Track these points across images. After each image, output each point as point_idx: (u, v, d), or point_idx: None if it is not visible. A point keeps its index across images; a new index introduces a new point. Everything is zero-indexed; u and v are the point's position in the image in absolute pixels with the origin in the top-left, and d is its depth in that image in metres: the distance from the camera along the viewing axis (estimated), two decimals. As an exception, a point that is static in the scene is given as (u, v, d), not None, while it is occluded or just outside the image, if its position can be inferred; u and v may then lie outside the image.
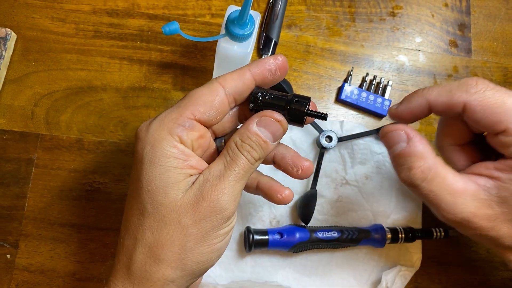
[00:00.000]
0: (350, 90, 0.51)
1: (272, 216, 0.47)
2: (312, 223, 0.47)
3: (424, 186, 0.32)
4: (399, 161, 0.33)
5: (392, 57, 0.54)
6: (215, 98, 0.31)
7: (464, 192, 0.31)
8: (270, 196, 0.36)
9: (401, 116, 0.34)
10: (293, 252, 0.45)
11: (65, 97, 0.48)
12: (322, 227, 0.46)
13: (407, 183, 0.33)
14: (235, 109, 0.34)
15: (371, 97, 0.51)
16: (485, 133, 0.34)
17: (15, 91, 0.48)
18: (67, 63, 0.49)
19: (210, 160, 0.33)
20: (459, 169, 0.35)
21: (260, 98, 0.32)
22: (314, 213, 0.46)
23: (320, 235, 0.45)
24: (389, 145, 0.33)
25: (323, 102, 0.51)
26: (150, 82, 0.49)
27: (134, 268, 0.30)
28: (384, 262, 0.47)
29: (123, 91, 0.49)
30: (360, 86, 0.52)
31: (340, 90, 0.51)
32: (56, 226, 0.45)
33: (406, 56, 0.54)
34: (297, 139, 0.49)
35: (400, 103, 0.34)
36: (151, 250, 0.30)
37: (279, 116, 0.32)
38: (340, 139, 0.48)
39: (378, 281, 0.46)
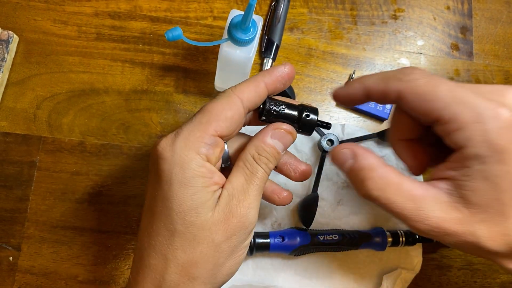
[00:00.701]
0: (351, 93, 0.51)
1: (273, 219, 0.47)
2: (313, 226, 0.47)
3: (381, 195, 0.31)
4: (352, 177, 0.32)
5: (394, 60, 0.54)
6: (235, 113, 0.31)
7: (425, 197, 0.30)
8: (271, 198, 0.38)
9: (339, 98, 0.35)
10: (295, 255, 0.45)
11: (67, 99, 0.48)
12: (323, 230, 0.46)
13: (366, 197, 0.32)
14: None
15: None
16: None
17: (18, 94, 0.48)
18: (69, 66, 0.49)
19: (217, 167, 0.33)
20: (411, 166, 0.34)
21: (273, 111, 0.34)
22: (315, 216, 0.46)
23: (321, 238, 0.45)
24: (339, 165, 0.33)
25: (325, 105, 0.52)
26: (152, 85, 0.49)
27: (166, 287, 0.30)
28: (385, 265, 0.48)
29: (125, 93, 0.49)
30: (362, 89, 0.52)
31: (341, 93, 0.51)
32: (58, 229, 0.45)
33: (407, 59, 0.54)
34: (298, 143, 0.49)
35: (341, 86, 0.35)
36: (184, 269, 0.30)
37: (291, 129, 0.34)
38: (342, 143, 0.48)
39: (379, 284, 0.47)
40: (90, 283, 0.45)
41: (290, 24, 0.53)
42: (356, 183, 0.32)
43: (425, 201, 0.30)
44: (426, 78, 0.30)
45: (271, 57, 0.51)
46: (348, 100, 0.35)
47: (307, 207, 0.46)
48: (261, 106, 0.34)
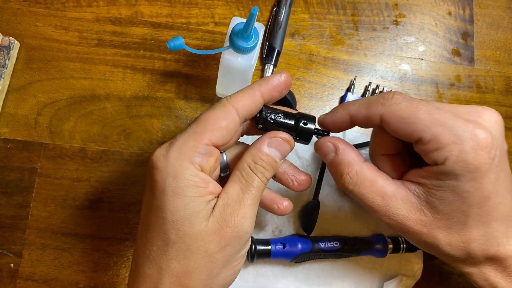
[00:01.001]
0: (352, 99, 0.51)
1: (274, 225, 0.47)
2: (315, 233, 0.47)
3: (355, 190, 0.34)
4: (332, 169, 0.35)
5: (395, 66, 0.54)
6: (230, 122, 0.32)
7: (395, 196, 0.33)
8: (271, 207, 0.37)
9: (326, 126, 0.37)
10: (296, 262, 0.45)
11: (68, 106, 0.48)
12: (324, 237, 0.46)
13: (342, 188, 0.35)
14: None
15: (374, 106, 0.51)
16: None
17: (18, 100, 0.48)
18: (70, 72, 0.49)
19: (214, 177, 0.33)
20: (392, 177, 0.36)
21: (270, 120, 0.34)
22: (316, 223, 0.46)
23: (322, 245, 0.45)
24: (322, 156, 0.36)
25: (326, 111, 0.51)
26: (153, 91, 0.49)
27: None
28: (386, 272, 0.48)
29: (126, 100, 0.49)
30: (363, 95, 0.52)
31: (342, 99, 0.51)
32: (59, 235, 0.45)
33: (409, 65, 0.54)
34: (300, 149, 0.49)
35: (327, 113, 0.36)
36: (178, 279, 0.30)
37: (288, 137, 0.34)
38: (343, 149, 0.48)
39: (380, 291, 0.47)
40: (91, 290, 0.45)
41: (291, 30, 0.53)
42: (335, 175, 0.35)
43: (394, 198, 0.33)
44: (406, 102, 0.32)
45: (272, 63, 0.51)
46: (335, 127, 0.36)
47: (308, 214, 0.46)
48: (258, 114, 0.34)
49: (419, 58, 0.54)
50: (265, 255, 0.44)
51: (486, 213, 0.32)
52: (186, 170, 0.30)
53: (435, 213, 0.32)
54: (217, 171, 0.34)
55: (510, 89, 0.55)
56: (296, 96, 0.51)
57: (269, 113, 0.34)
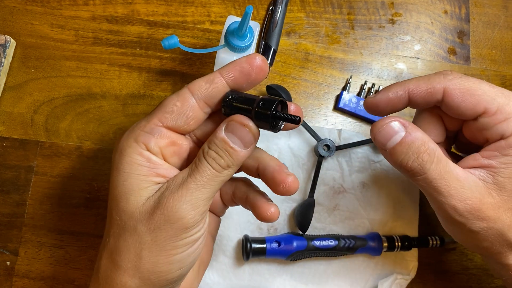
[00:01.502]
0: (348, 98, 0.51)
1: (270, 224, 0.48)
2: (310, 231, 0.47)
3: (433, 169, 0.31)
4: (403, 149, 0.31)
5: (391, 64, 0.54)
6: (183, 104, 0.30)
7: (467, 179, 0.31)
8: (257, 213, 0.34)
9: (379, 105, 0.34)
10: (291, 260, 0.46)
11: (65, 104, 0.48)
12: (320, 235, 0.47)
13: (416, 169, 0.31)
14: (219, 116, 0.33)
15: (370, 105, 0.51)
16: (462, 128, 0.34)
17: (15, 98, 0.48)
18: (66, 70, 0.49)
19: (175, 163, 0.33)
20: None
21: (230, 101, 0.31)
22: (311, 221, 0.46)
23: (317, 243, 0.45)
24: (386, 138, 0.32)
25: (321, 110, 0.52)
26: (149, 90, 0.50)
27: (100, 273, 0.31)
28: (380, 270, 0.48)
29: (123, 98, 0.49)
30: (359, 94, 0.52)
31: (338, 98, 0.52)
32: (55, 233, 0.46)
33: (404, 64, 0.54)
34: (295, 147, 0.49)
35: (378, 92, 0.34)
36: (111, 256, 0.30)
37: (247, 121, 0.30)
38: (338, 148, 0.48)
39: (374, 289, 0.47)
40: (87, 287, 0.45)
41: (287, 29, 0.53)
42: (405, 155, 0.31)
43: (467, 182, 0.31)
44: (466, 77, 0.32)
45: (268, 62, 0.51)
46: (389, 106, 0.34)
47: (304, 212, 0.46)
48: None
49: (415, 57, 0.55)
50: (260, 253, 0.45)
51: None
52: (130, 147, 0.30)
53: (503, 194, 0.31)
54: (180, 158, 0.33)
55: (506, 88, 0.55)
56: (292, 95, 0.51)
57: (234, 98, 0.31)
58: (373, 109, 0.35)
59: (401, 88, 0.33)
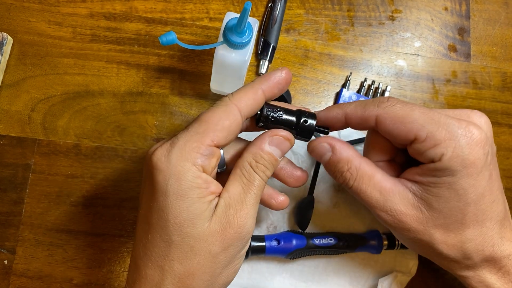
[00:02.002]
0: (348, 95, 0.51)
1: (269, 222, 0.47)
2: (309, 229, 0.47)
3: (355, 185, 0.34)
4: (330, 168, 0.35)
5: (391, 61, 0.54)
6: (232, 122, 0.31)
7: (392, 191, 0.33)
8: (268, 202, 0.37)
9: (318, 122, 0.36)
10: (290, 259, 0.45)
11: (62, 102, 0.48)
12: (319, 233, 0.46)
13: (343, 185, 0.35)
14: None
15: (369, 102, 0.51)
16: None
17: (12, 96, 0.48)
18: (64, 68, 0.49)
19: (213, 175, 0.33)
20: None
21: (271, 118, 0.34)
22: (311, 219, 0.46)
23: (317, 241, 0.45)
24: (318, 157, 0.36)
25: (321, 107, 0.51)
26: (147, 87, 0.49)
27: None
28: (381, 268, 0.47)
29: (121, 96, 0.49)
30: (358, 91, 0.52)
31: (338, 95, 0.51)
32: (53, 232, 0.45)
33: (405, 61, 0.54)
34: (294, 145, 0.48)
35: (321, 111, 0.37)
36: (181, 281, 0.30)
37: (289, 135, 0.34)
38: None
39: (375, 287, 0.47)
40: (85, 286, 0.45)
41: (287, 26, 0.53)
42: (334, 174, 0.35)
43: (392, 194, 0.33)
44: (401, 104, 0.33)
45: (268, 59, 0.50)
46: (327, 124, 0.36)
47: (303, 210, 0.46)
48: (259, 112, 0.34)
49: (415, 54, 0.54)
50: (259, 252, 0.44)
51: (482, 212, 0.32)
52: (189, 172, 0.30)
53: (432, 211, 0.33)
54: (215, 169, 0.34)
55: (507, 85, 0.54)
56: (292, 92, 0.51)
57: (270, 110, 0.34)
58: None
59: (339, 111, 0.35)
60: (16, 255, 0.45)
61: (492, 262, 0.34)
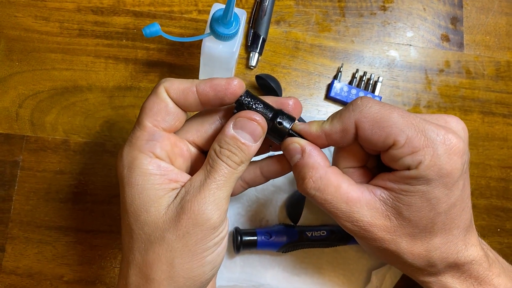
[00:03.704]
0: (339, 87, 0.50)
1: (261, 215, 0.47)
2: (302, 222, 0.46)
3: (318, 195, 0.32)
4: (296, 172, 0.33)
5: (383, 52, 0.53)
6: (167, 104, 0.31)
7: (359, 201, 0.31)
8: (279, 168, 0.36)
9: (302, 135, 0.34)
10: (282, 252, 0.45)
11: (50, 97, 0.47)
12: (311, 226, 0.46)
13: (303, 193, 0.33)
14: (222, 121, 0.33)
15: (361, 94, 0.50)
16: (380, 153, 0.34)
17: (-1, 92, 0.47)
18: (51, 63, 0.48)
19: (183, 165, 0.33)
20: None
21: (245, 107, 0.32)
22: (303, 212, 0.45)
23: (309, 234, 0.45)
24: (288, 157, 0.33)
25: (313, 100, 0.51)
26: (136, 81, 0.49)
27: None
28: (374, 261, 0.47)
29: (109, 90, 0.48)
30: (350, 82, 0.51)
31: (329, 87, 0.51)
32: (42, 229, 0.45)
33: (397, 51, 0.53)
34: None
35: (301, 123, 0.34)
36: (141, 271, 0.30)
37: (256, 116, 0.31)
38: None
39: (368, 280, 0.46)
40: (75, 283, 0.44)
41: (277, 17, 0.52)
42: (297, 178, 0.33)
43: (358, 204, 0.31)
44: (378, 105, 0.31)
45: (257, 51, 0.50)
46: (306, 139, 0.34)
47: (295, 203, 0.46)
48: (237, 99, 0.32)
49: (408, 44, 0.54)
50: (251, 246, 0.44)
51: (451, 220, 0.31)
52: (137, 159, 0.30)
53: (401, 220, 0.31)
54: (185, 160, 0.33)
55: (500, 74, 0.54)
56: (282, 85, 0.50)
57: (248, 99, 0.32)
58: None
59: (320, 133, 0.33)
60: (5, 252, 0.44)
61: (456, 268, 0.33)
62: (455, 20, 0.55)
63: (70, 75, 0.48)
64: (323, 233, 0.45)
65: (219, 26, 0.39)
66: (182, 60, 0.50)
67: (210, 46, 0.41)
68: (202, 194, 0.29)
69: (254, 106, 0.32)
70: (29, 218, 0.45)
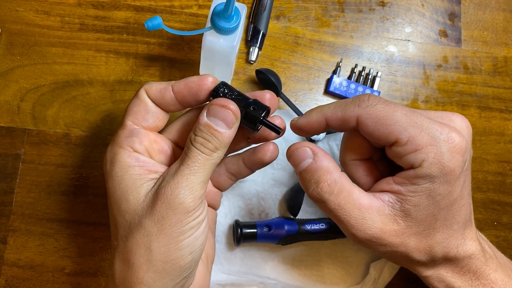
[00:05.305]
0: (339, 81, 0.51)
1: (261, 208, 0.47)
2: (301, 215, 0.47)
3: (332, 200, 0.32)
4: (307, 176, 0.33)
5: (382, 47, 0.53)
6: (146, 104, 0.33)
7: (370, 208, 0.32)
8: (260, 157, 0.37)
9: (301, 128, 0.35)
10: (282, 245, 0.45)
11: (52, 91, 0.48)
12: (311, 219, 0.46)
13: (315, 198, 0.33)
14: None
15: (360, 88, 0.51)
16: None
17: (0, 86, 0.47)
18: (53, 57, 0.48)
19: (163, 159, 0.35)
20: (362, 185, 0.35)
21: (220, 94, 0.33)
22: (302, 205, 0.46)
23: (308, 227, 0.45)
24: (296, 162, 0.33)
25: (312, 94, 0.51)
26: (137, 75, 0.49)
27: (116, 278, 0.31)
28: (373, 253, 0.48)
29: (110, 84, 0.49)
30: (349, 77, 0.52)
31: (329, 81, 0.51)
32: (44, 221, 0.45)
33: (395, 47, 0.54)
34: (286, 132, 0.48)
35: (301, 117, 0.35)
36: (123, 257, 0.31)
37: (228, 103, 0.32)
38: (329, 132, 0.48)
39: (367, 272, 0.47)
40: (77, 275, 0.45)
41: (277, 12, 0.52)
42: (308, 182, 0.33)
43: (370, 211, 0.32)
44: (382, 104, 0.32)
45: (257, 46, 0.50)
46: (311, 129, 0.35)
47: (294, 196, 0.46)
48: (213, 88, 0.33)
49: (406, 40, 0.54)
50: (251, 238, 0.44)
51: (451, 216, 0.32)
52: (118, 154, 0.32)
53: (408, 221, 0.32)
54: (166, 157, 0.35)
55: (498, 70, 0.54)
56: (282, 79, 0.51)
57: (223, 88, 0.33)
58: (297, 131, 0.36)
59: (319, 115, 0.34)
60: (7, 245, 0.44)
61: (455, 262, 0.34)
62: (453, 16, 0.55)
63: (71, 69, 0.48)
64: (322, 225, 0.45)
65: (220, 20, 0.39)
66: (182, 55, 0.50)
67: (211, 40, 0.41)
68: (175, 180, 0.31)
69: (228, 95, 0.33)
70: (31, 211, 0.45)
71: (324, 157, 0.33)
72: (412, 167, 0.31)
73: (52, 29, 0.49)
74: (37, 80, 0.48)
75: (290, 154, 0.34)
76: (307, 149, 0.33)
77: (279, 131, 0.34)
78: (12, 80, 0.48)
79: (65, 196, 0.46)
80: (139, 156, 0.33)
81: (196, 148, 0.31)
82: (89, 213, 0.46)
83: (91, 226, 0.46)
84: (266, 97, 0.35)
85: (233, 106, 0.32)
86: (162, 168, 0.33)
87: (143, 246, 0.30)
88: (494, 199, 0.51)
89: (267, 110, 0.33)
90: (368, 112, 0.32)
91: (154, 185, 0.32)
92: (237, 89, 0.34)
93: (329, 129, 0.34)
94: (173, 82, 0.34)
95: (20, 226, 0.45)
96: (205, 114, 0.32)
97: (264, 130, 0.35)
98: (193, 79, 0.33)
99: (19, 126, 0.47)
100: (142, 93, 0.34)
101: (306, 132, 0.35)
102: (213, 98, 0.33)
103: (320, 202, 0.33)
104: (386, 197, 0.32)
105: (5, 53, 0.48)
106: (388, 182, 0.33)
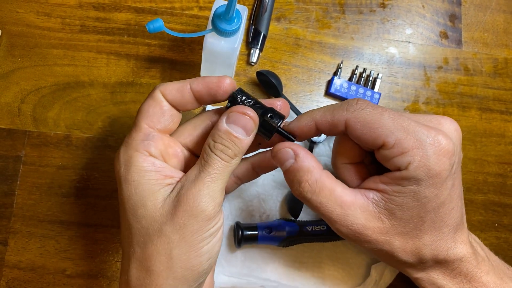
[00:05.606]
0: (339, 83, 0.51)
1: (262, 210, 0.47)
2: (302, 216, 0.47)
3: (314, 198, 0.33)
4: (290, 176, 0.34)
5: (382, 49, 0.53)
6: (162, 106, 0.33)
7: (353, 204, 0.32)
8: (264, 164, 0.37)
9: (292, 133, 0.35)
10: (283, 246, 0.45)
11: (52, 93, 0.48)
12: (312, 221, 0.46)
13: (299, 197, 0.34)
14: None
15: (361, 90, 0.51)
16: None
17: (1, 88, 0.47)
18: (53, 59, 0.48)
19: (177, 162, 0.34)
20: (352, 187, 0.35)
21: (238, 101, 0.33)
22: (303, 207, 0.46)
23: (309, 229, 0.45)
24: (280, 162, 0.34)
25: (313, 96, 0.51)
26: (138, 77, 0.49)
27: (132, 284, 0.31)
28: (373, 255, 0.48)
29: (111, 86, 0.48)
30: (350, 79, 0.52)
31: (329, 83, 0.51)
32: (45, 223, 0.45)
33: (396, 48, 0.54)
34: (287, 134, 0.49)
35: (292, 121, 0.36)
36: (141, 264, 0.31)
37: (248, 110, 0.32)
38: (330, 133, 0.48)
39: (368, 274, 0.47)
40: (78, 277, 0.45)
41: (277, 14, 0.52)
42: (292, 183, 0.34)
43: (352, 208, 0.32)
44: (370, 108, 0.32)
45: (258, 47, 0.50)
46: (301, 133, 0.35)
47: (295, 198, 0.46)
48: (230, 94, 0.34)
49: (407, 41, 0.54)
50: (252, 240, 0.44)
51: (440, 219, 0.32)
52: (133, 157, 0.32)
53: (393, 220, 0.32)
54: (179, 161, 0.35)
55: (498, 71, 0.54)
56: (283, 81, 0.51)
57: (240, 95, 0.33)
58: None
59: (309, 119, 0.34)
60: (8, 247, 0.44)
61: (445, 265, 0.34)
62: (454, 18, 0.55)
63: (72, 71, 0.48)
64: (323, 227, 0.45)
65: (221, 22, 0.39)
66: (183, 56, 0.50)
67: (212, 42, 0.41)
68: (197, 187, 0.30)
69: (246, 102, 0.33)
70: (32, 213, 0.45)
71: (305, 157, 0.33)
72: (399, 169, 0.31)
73: (53, 31, 0.49)
74: (37, 82, 0.48)
75: (274, 155, 0.34)
76: (289, 150, 0.33)
77: (293, 140, 0.35)
78: (12, 82, 0.48)
79: (66, 198, 0.46)
80: (155, 161, 0.32)
81: (216, 155, 0.31)
82: (90, 215, 0.46)
83: (92, 228, 0.46)
84: (279, 104, 0.35)
85: (252, 113, 0.32)
86: (176, 173, 0.33)
87: (164, 253, 0.30)
88: (495, 200, 0.51)
89: (283, 118, 0.34)
90: (356, 116, 0.32)
91: (172, 191, 0.31)
92: (254, 96, 0.34)
93: (320, 133, 0.35)
94: (189, 80, 0.33)
95: (21, 228, 0.45)
96: (224, 120, 0.32)
97: (275, 136, 0.35)
98: (212, 80, 0.33)
99: (20, 128, 0.47)
100: (158, 95, 0.33)
101: (298, 137, 0.36)
102: (231, 104, 0.33)
103: (304, 200, 0.34)
104: (371, 194, 0.33)
105: (5, 54, 0.48)
106: (374, 181, 0.33)
